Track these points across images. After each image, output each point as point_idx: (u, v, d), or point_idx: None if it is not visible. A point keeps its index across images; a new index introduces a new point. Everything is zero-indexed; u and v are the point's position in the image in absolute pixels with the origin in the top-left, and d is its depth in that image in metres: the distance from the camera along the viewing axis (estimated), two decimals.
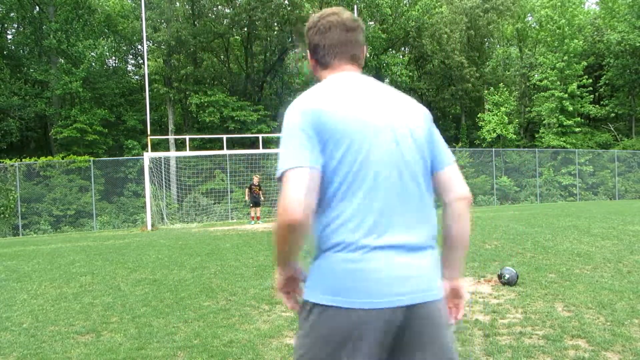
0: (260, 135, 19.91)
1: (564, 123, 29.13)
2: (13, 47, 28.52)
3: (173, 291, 6.02)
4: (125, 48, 32.04)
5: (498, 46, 37.37)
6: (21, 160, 21.96)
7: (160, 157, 20.66)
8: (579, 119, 29.72)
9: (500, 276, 5.74)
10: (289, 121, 1.45)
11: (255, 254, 8.63)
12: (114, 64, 32.45)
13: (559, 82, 29.48)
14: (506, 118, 29.98)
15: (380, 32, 30.05)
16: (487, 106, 31.89)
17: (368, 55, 31.09)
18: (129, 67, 33.87)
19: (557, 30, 29.33)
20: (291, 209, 1.32)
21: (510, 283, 5.62)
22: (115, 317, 4.96)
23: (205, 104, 26.20)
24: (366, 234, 1.41)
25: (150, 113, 18.71)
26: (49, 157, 23.65)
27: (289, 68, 29.92)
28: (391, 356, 1.46)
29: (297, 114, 1.45)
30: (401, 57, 34.77)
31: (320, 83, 1.58)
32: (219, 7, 29.09)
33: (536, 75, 32.00)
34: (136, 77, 32.36)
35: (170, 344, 4.06)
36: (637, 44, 28.45)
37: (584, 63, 29.57)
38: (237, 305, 5.23)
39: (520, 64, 34.37)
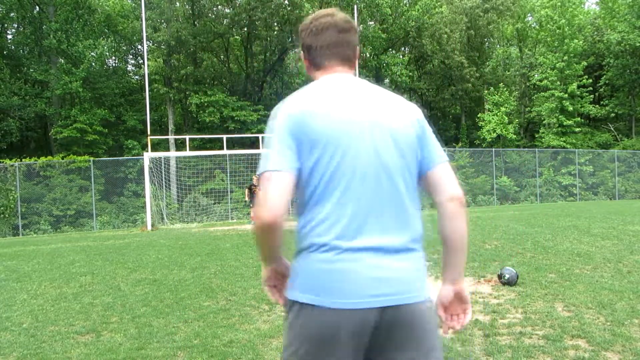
0: (260, 135, 19.92)
1: (564, 123, 29.14)
2: (13, 47, 28.51)
3: (173, 291, 6.02)
4: (125, 48, 32.04)
5: (498, 46, 37.38)
6: (21, 160, 21.96)
7: (160, 157, 20.67)
8: (579, 119, 29.72)
9: (500, 276, 5.74)
10: (273, 124, 1.51)
11: (255, 254, 8.62)
12: (114, 64, 32.46)
13: (559, 82, 29.49)
14: (506, 118, 29.99)
15: (380, 32, 30.06)
16: (487, 106, 31.89)
17: (368, 55, 31.42)
18: (129, 67, 33.90)
19: (557, 30, 29.34)
20: (264, 211, 1.40)
21: (510, 283, 5.62)
22: (115, 317, 4.96)
23: (205, 104, 26.20)
24: (339, 236, 1.44)
25: (150, 113, 18.71)
26: (49, 157, 23.66)
27: (289, 68, 29.93)
28: (370, 357, 1.47)
29: (280, 117, 1.50)
30: (401, 57, 34.79)
31: (310, 85, 1.59)
32: (219, 7, 29.09)
33: (536, 75, 32.00)
34: (136, 77, 32.36)
35: (170, 344, 4.06)
36: (637, 44, 28.45)
37: (584, 63, 29.57)
38: (237, 305, 5.23)
39: (520, 64, 34.37)
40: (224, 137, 19.47)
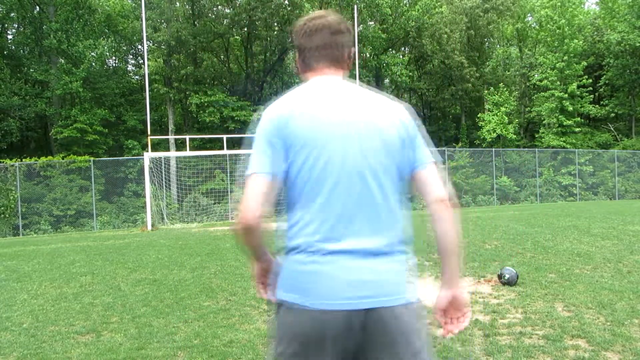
0: None
1: (564, 123, 29.13)
2: (13, 47, 28.51)
3: (173, 291, 6.02)
4: (125, 48, 32.04)
5: (498, 46, 37.37)
6: (21, 160, 21.96)
7: (160, 157, 20.66)
8: (579, 119, 29.71)
9: (500, 276, 5.74)
10: (258, 127, 1.54)
11: None
12: (114, 64, 32.46)
13: (559, 82, 29.49)
14: (506, 118, 29.98)
15: (380, 32, 30.05)
16: (487, 106, 31.89)
17: (368, 55, 31.40)
18: (129, 67, 33.90)
19: (557, 30, 29.34)
20: (243, 214, 1.45)
21: (510, 283, 5.62)
22: (116, 317, 4.96)
23: (205, 104, 26.21)
24: (323, 239, 1.46)
25: (150, 113, 18.70)
26: (49, 157, 23.66)
27: (289, 68, 29.91)
28: (355, 359, 1.48)
29: (265, 120, 1.53)
30: (401, 57, 34.78)
31: (297, 87, 1.60)
32: (219, 7, 29.09)
33: (536, 75, 31.99)
34: (136, 77, 32.36)
35: (170, 344, 4.07)
36: (637, 44, 28.45)
37: (584, 63, 29.57)
38: (237, 305, 5.23)
39: (520, 64, 34.37)
40: (224, 137, 19.47)
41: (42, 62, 26.38)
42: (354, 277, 1.44)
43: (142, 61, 30.57)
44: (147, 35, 21.99)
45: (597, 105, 31.45)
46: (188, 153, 20.44)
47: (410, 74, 32.33)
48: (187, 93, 28.05)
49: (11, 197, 20.84)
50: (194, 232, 14.13)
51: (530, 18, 36.18)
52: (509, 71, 34.71)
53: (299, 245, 1.48)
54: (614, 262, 6.84)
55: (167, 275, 7.09)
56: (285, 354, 1.47)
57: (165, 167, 21.33)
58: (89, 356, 3.87)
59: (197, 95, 26.46)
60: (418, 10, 30.36)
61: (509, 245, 8.52)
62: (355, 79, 22.79)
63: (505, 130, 29.68)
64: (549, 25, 29.88)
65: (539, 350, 3.63)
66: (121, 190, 24.04)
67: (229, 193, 23.44)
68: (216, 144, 25.00)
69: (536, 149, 29.61)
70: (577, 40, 29.02)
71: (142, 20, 19.54)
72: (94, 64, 26.99)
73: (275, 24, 28.96)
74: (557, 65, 29.23)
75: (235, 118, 26.18)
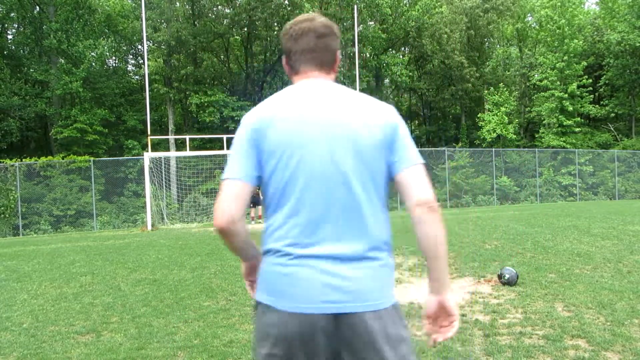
0: None
1: (564, 123, 29.15)
2: (13, 47, 28.53)
3: (173, 291, 6.02)
4: (125, 48, 32.06)
5: (498, 46, 37.39)
6: (21, 160, 21.97)
7: (160, 157, 20.67)
8: (579, 119, 29.73)
9: (500, 276, 5.74)
10: (237, 131, 1.56)
11: None
12: (114, 64, 32.48)
13: (559, 82, 29.49)
14: (506, 118, 30.00)
15: (380, 32, 30.06)
16: (487, 106, 31.90)
17: (368, 55, 31.38)
18: (129, 67, 33.93)
19: (557, 30, 29.34)
20: (217, 217, 1.48)
21: (510, 283, 5.62)
22: (116, 317, 4.96)
23: (205, 104, 26.23)
24: (292, 243, 1.47)
25: (150, 113, 18.71)
26: (49, 157, 23.68)
27: None
28: None
29: (242, 125, 1.55)
30: (401, 57, 34.80)
31: (280, 91, 1.60)
32: (219, 7, 29.11)
33: (536, 75, 32.01)
34: (136, 77, 32.38)
35: (170, 344, 4.06)
36: (637, 44, 28.46)
37: (584, 63, 29.58)
38: (237, 305, 5.23)
39: (520, 64, 34.38)
40: (224, 137, 19.46)
41: (42, 62, 26.39)
42: (327, 282, 1.43)
43: (142, 61, 30.58)
44: (147, 35, 22.00)
45: (597, 105, 31.47)
46: (188, 153, 20.43)
47: (410, 74, 32.34)
48: (187, 93, 28.06)
49: (11, 197, 20.85)
50: (194, 232, 14.13)
51: (530, 18, 36.20)
52: (509, 71, 34.73)
53: (271, 249, 1.50)
54: (614, 262, 6.84)
55: (167, 275, 7.09)
56: (260, 354, 1.48)
57: (165, 167, 21.33)
58: (89, 356, 3.87)
59: (197, 95, 26.48)
60: (418, 10, 30.37)
61: (509, 245, 8.52)
62: (355, 79, 22.80)
63: (505, 130, 29.68)
64: (549, 25, 29.89)
65: (539, 350, 3.63)
66: (121, 190, 24.04)
67: None
68: (216, 144, 25.00)
69: (536, 149, 29.61)
70: (577, 40, 29.03)
71: (142, 20, 19.54)
72: (94, 64, 27.01)
73: (275, 24, 28.97)
74: (557, 65, 29.25)
75: (235, 118, 26.19)
